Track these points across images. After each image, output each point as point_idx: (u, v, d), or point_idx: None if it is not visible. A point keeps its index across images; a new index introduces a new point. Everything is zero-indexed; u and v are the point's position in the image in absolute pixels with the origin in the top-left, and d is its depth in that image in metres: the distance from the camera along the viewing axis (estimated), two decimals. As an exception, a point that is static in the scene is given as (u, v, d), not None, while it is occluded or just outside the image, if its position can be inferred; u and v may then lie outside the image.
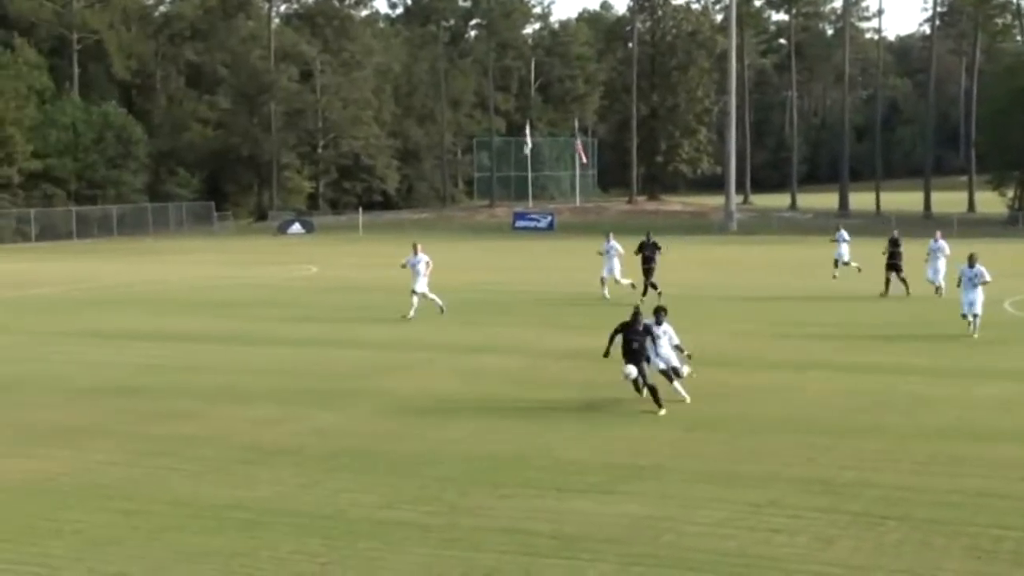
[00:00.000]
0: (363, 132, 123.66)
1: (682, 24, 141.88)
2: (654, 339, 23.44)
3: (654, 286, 42.19)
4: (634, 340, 22.92)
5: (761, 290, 46.99)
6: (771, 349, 31.37)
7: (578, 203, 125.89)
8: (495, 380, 27.10)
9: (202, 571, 14.27)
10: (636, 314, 23.28)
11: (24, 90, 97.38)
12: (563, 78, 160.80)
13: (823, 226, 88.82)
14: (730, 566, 14.18)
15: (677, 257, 68.27)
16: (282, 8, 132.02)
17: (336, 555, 14.74)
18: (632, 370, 22.70)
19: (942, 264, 42.74)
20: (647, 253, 43.34)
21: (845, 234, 51.41)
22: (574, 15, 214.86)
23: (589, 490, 17.52)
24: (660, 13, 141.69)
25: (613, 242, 43.84)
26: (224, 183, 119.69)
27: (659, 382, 23.31)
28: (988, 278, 33.18)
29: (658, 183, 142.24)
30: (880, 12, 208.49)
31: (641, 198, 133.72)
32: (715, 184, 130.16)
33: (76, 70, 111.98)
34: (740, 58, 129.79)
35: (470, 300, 43.53)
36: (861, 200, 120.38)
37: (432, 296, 38.75)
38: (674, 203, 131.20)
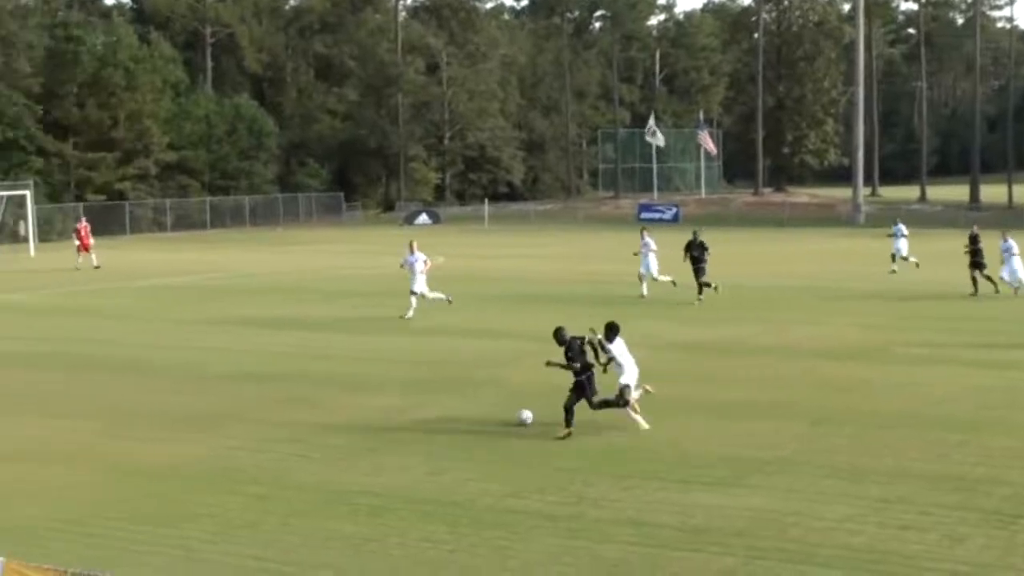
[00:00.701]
0: (489, 124, 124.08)
1: (808, 14, 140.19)
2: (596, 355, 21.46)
3: (708, 284, 40.34)
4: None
5: (889, 283, 46.39)
6: (898, 343, 30.95)
7: (703, 195, 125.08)
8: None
9: (333, 556, 14.52)
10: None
11: (160, 83, 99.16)
12: (688, 69, 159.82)
13: (953, 219, 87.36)
14: (859, 562, 14.10)
15: (804, 249, 67.88)
16: (409, 1, 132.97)
17: (463, 543, 14.90)
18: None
19: (1017, 263, 41.44)
20: (695, 253, 41.07)
21: (903, 228, 50.60)
22: (699, 6, 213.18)
23: (715, 483, 17.52)
24: (786, 3, 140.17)
25: (648, 239, 42.58)
26: (352, 174, 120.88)
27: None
28: None
29: (784, 175, 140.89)
30: (1012, 1, 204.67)
31: (767, 190, 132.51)
32: (842, 176, 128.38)
33: (209, 63, 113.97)
34: (868, 48, 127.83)
35: (595, 291, 43.59)
36: (993, 193, 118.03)
37: (434, 295, 37.70)
38: (801, 195, 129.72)
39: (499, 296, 42.41)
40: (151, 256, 67.54)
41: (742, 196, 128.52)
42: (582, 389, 20.93)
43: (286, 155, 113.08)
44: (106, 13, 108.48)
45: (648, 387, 22.26)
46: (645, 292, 41.81)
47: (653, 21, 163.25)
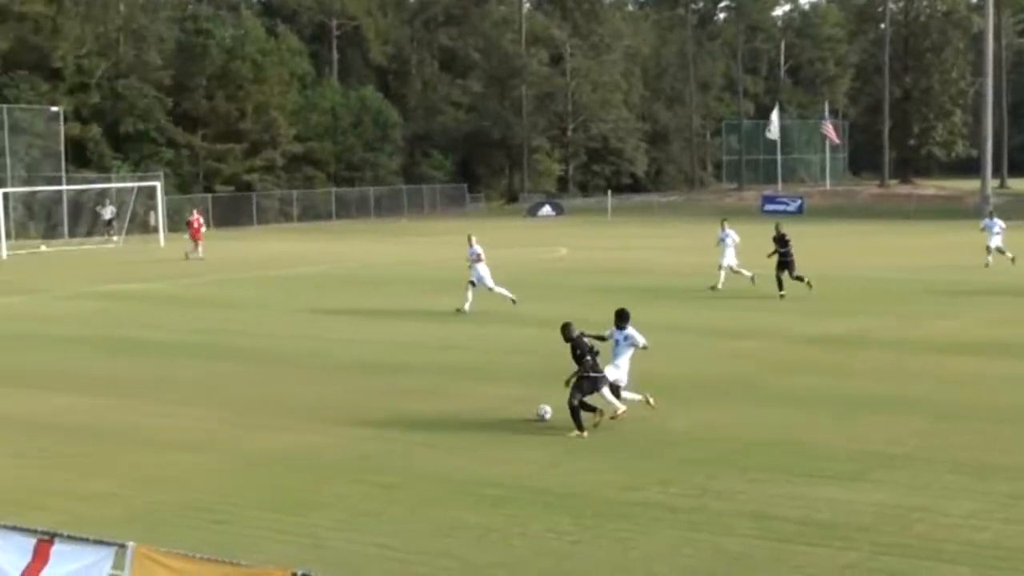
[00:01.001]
0: (612, 115, 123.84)
1: (936, 3, 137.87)
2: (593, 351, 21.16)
3: (800, 279, 39.28)
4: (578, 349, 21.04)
5: (1018, 277, 45.55)
6: (1029, 338, 30.47)
7: (828, 186, 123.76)
8: (748, 363, 27.07)
9: (457, 545, 14.67)
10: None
11: (287, 76, 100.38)
12: (813, 60, 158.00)
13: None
14: (984, 558, 13.96)
15: (930, 242, 66.88)
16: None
17: (586, 534, 14.97)
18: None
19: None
20: (780, 248, 40.01)
21: (999, 222, 49.66)
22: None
23: (839, 477, 17.42)
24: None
25: (728, 231, 42.23)
26: (476, 165, 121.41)
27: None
28: None
29: (910, 166, 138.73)
30: None
31: (893, 182, 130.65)
32: (970, 168, 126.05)
33: (335, 56, 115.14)
34: (997, 38, 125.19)
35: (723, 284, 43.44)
36: None
37: (499, 289, 37.44)
38: (928, 187, 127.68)
39: (622, 288, 42.29)
40: (277, 246, 68.48)
41: (868, 188, 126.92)
42: (592, 383, 20.56)
43: (410, 146, 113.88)
44: (234, 6, 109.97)
45: (651, 400, 21.48)
46: (720, 285, 41.24)
47: (778, 11, 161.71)
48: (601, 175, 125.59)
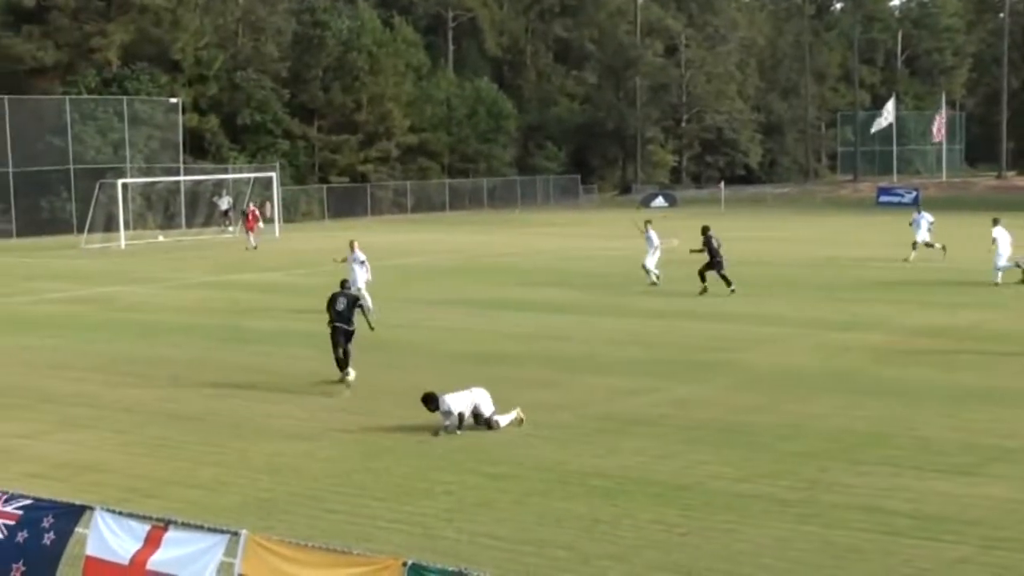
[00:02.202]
0: (726, 106, 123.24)
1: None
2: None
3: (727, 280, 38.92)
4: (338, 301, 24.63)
5: None
6: None
7: (944, 178, 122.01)
8: (856, 356, 26.83)
9: (566, 535, 14.70)
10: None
11: (402, 67, 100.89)
12: (930, 50, 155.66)
13: None
14: (1100, 555, 13.73)
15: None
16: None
17: (694, 526, 14.95)
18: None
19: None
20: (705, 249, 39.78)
21: (926, 216, 48.91)
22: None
23: (951, 470, 17.21)
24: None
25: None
26: (589, 157, 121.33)
27: None
28: None
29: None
30: None
31: (1011, 173, 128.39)
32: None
33: (451, 47, 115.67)
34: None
35: (832, 276, 43.07)
36: None
37: (367, 295, 33.85)
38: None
39: (733, 280, 42.08)
40: (391, 237, 68.88)
41: (985, 180, 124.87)
42: None
43: (524, 138, 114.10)
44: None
45: (521, 415, 20.70)
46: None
47: (895, 1, 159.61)
48: (715, 166, 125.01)
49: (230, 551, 9.53)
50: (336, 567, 9.03)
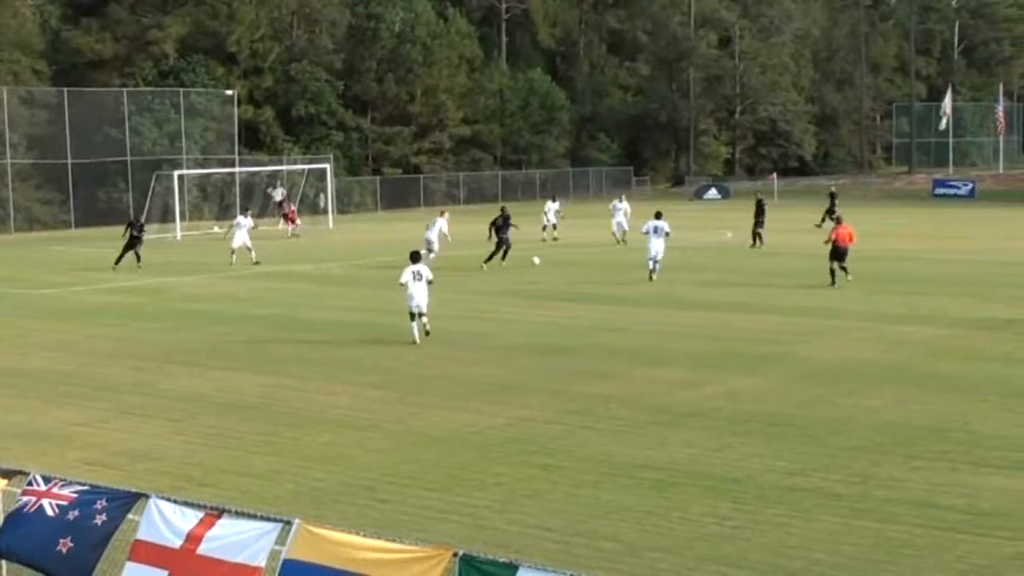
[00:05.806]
0: (780, 98, 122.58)
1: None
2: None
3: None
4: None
5: None
6: None
7: (1001, 171, 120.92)
8: (913, 349, 26.67)
9: (617, 527, 14.70)
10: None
11: (455, 59, 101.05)
12: (988, 41, 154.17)
13: None
14: None
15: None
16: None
17: (745, 519, 14.90)
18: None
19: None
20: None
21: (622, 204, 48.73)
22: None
23: (1007, 466, 17.07)
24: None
25: None
26: (642, 148, 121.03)
27: None
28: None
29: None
30: None
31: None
32: None
33: (504, 39, 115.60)
34: None
35: (888, 268, 42.81)
36: None
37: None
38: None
39: (789, 272, 41.98)
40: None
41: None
42: None
43: (577, 129, 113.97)
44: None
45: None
46: None
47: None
48: (768, 158, 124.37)
49: (282, 540, 9.60)
50: (387, 557, 9.06)
